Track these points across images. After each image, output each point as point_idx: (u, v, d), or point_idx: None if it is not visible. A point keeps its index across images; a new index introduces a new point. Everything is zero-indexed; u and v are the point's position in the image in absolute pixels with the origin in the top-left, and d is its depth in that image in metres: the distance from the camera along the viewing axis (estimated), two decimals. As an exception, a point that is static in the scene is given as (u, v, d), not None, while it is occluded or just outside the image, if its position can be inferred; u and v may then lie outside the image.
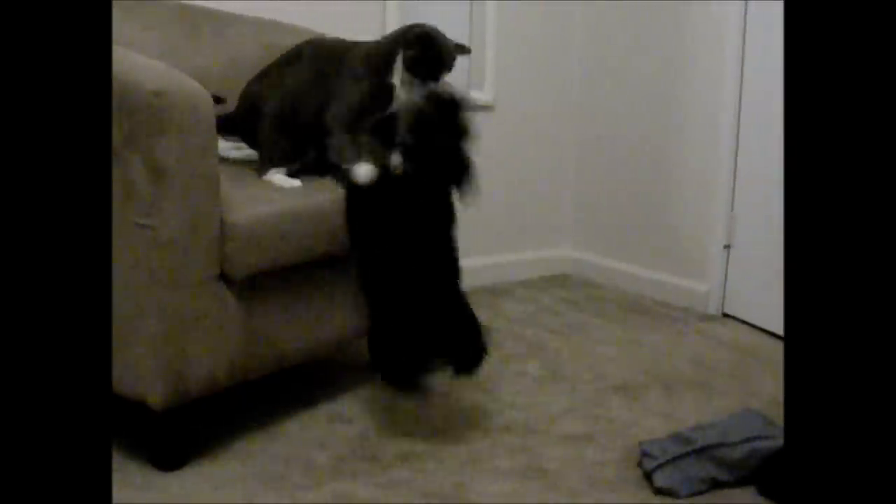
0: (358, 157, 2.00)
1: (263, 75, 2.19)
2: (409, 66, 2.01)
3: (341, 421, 2.07)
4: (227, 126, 2.18)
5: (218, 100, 1.89)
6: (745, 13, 2.83)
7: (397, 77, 2.03)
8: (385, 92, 2.04)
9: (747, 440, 1.82)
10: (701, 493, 1.79)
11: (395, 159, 1.98)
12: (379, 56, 2.05)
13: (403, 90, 2.04)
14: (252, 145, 2.20)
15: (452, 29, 2.09)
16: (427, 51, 2.00)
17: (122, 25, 2.11)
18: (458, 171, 1.94)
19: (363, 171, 1.95)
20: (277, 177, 2.08)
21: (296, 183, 2.07)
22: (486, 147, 3.22)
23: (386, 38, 2.11)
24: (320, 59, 2.12)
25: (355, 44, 2.13)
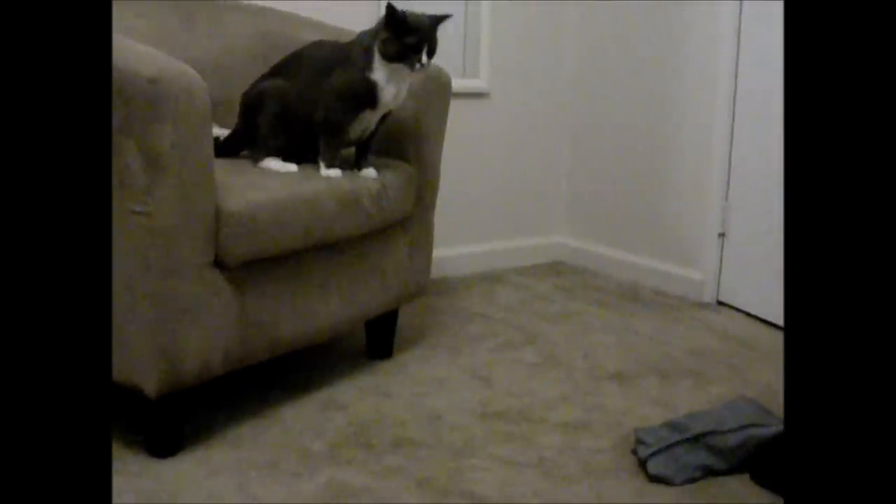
0: (331, 162, 2.08)
1: (264, 77, 2.16)
2: (384, 53, 2.00)
3: (336, 408, 2.08)
4: (232, 143, 2.18)
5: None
6: None
7: (379, 72, 2.02)
8: (367, 88, 2.04)
9: (741, 428, 1.83)
10: (695, 480, 1.80)
11: (370, 173, 2.12)
12: (360, 53, 2.04)
13: (389, 84, 2.03)
14: (251, 145, 2.16)
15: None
16: (397, 32, 1.97)
17: (118, 13, 2.09)
18: None
19: (332, 174, 2.06)
20: (273, 162, 2.07)
21: (292, 167, 2.06)
22: (481, 134, 3.26)
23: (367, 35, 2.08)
24: (318, 65, 2.10)
25: (349, 45, 2.11)
